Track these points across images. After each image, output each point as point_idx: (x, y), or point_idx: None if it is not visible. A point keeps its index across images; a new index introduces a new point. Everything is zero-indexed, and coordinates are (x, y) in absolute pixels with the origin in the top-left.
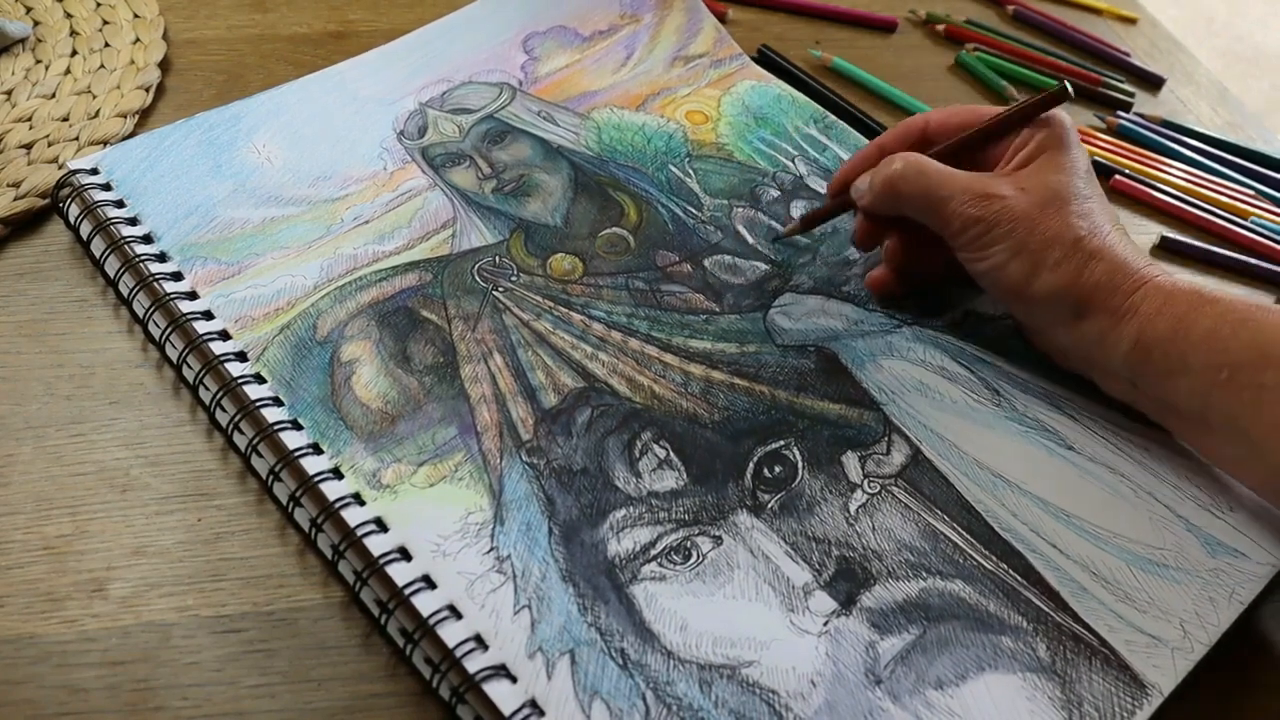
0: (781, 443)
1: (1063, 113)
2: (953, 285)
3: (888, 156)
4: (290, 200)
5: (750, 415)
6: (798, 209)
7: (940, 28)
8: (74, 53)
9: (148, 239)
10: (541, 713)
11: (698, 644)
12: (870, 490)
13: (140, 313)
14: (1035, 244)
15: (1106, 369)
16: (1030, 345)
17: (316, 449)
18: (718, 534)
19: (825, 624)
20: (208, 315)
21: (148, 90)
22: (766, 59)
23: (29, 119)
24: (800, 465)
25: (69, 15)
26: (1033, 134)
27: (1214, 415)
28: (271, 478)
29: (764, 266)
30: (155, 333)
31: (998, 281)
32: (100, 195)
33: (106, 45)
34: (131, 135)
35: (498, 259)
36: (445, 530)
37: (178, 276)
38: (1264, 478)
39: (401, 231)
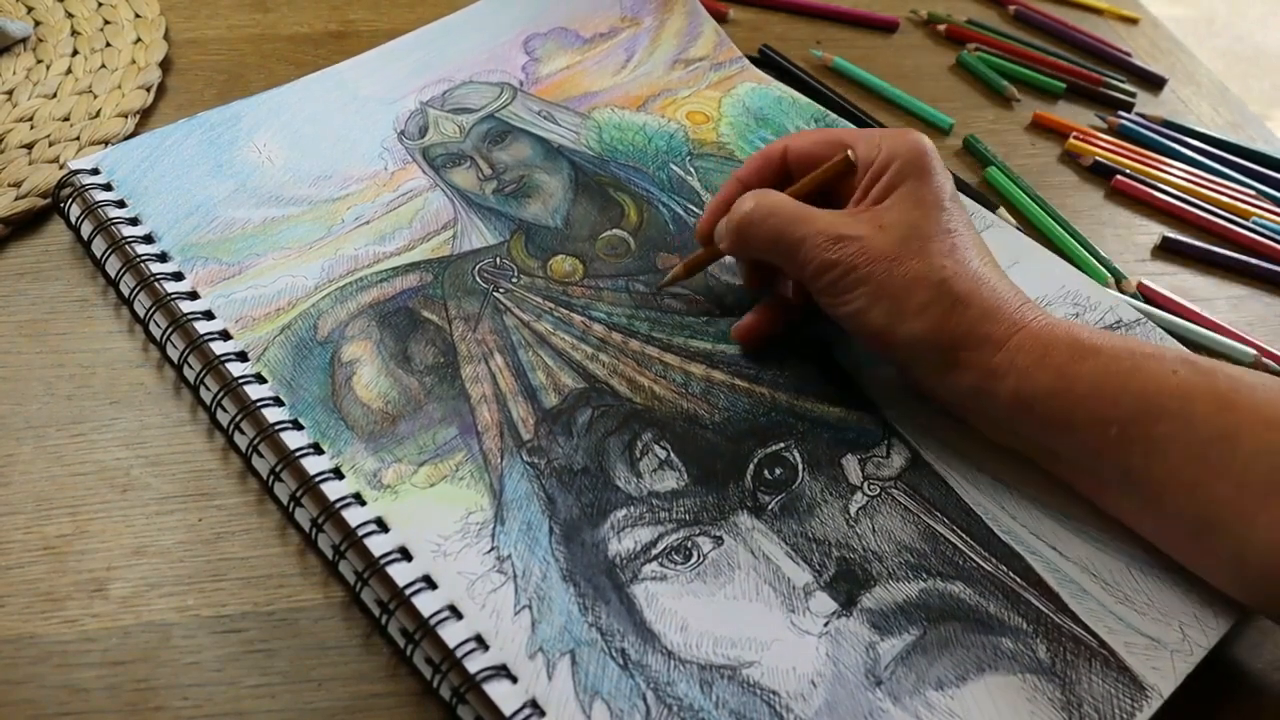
0: (782, 444)
1: (922, 136)
2: None
3: (743, 195)
4: (291, 200)
5: (751, 416)
6: None
7: (941, 28)
8: (75, 52)
9: (148, 239)
10: (542, 713)
11: (698, 644)
12: (870, 492)
13: (141, 313)
14: (896, 287)
15: (987, 419)
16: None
17: (317, 449)
18: (718, 534)
19: (826, 625)
20: (208, 315)
21: (149, 90)
22: (767, 59)
23: (30, 119)
24: (800, 467)
25: (70, 15)
26: (890, 161)
27: (1105, 470)
28: (272, 478)
29: None
30: (156, 333)
31: (860, 328)
32: (101, 195)
33: (108, 45)
34: (132, 135)
35: (498, 260)
36: (446, 530)
37: (178, 276)
38: (1161, 528)
39: (402, 232)
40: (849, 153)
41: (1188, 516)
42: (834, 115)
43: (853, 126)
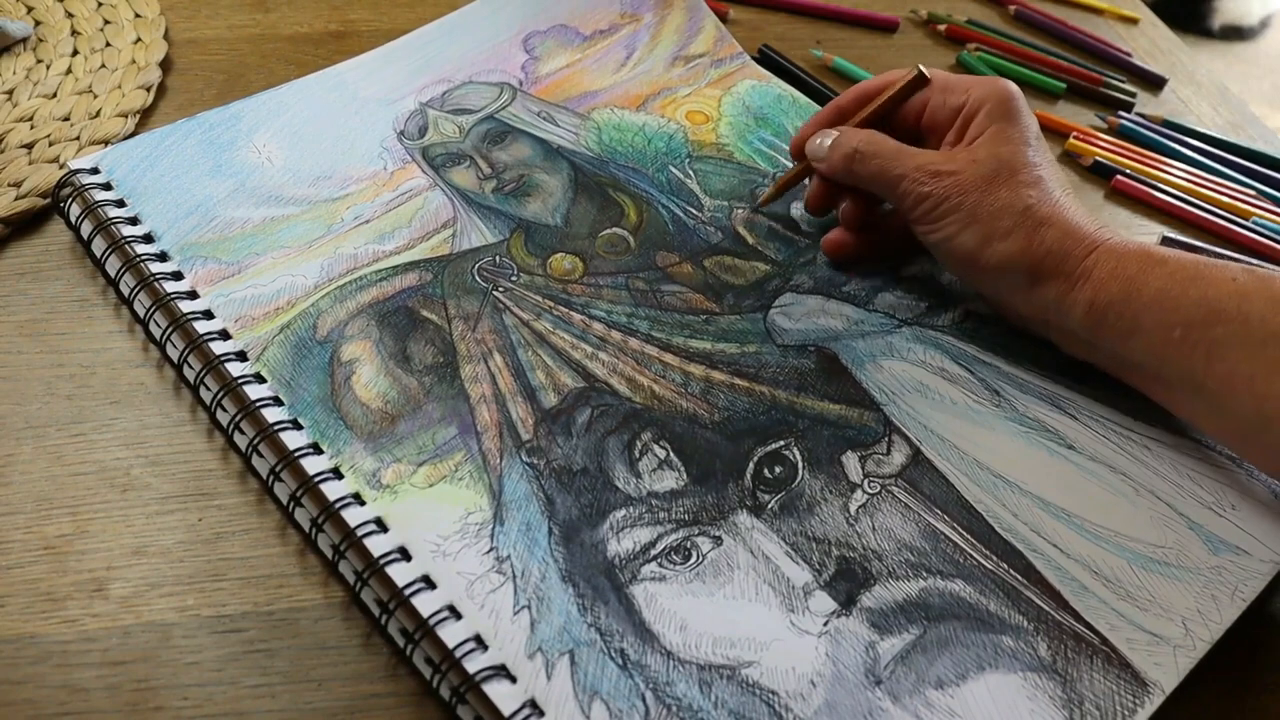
0: (781, 443)
1: (1009, 83)
2: (952, 284)
3: (846, 130)
4: (290, 200)
5: (750, 415)
6: (798, 209)
7: (941, 28)
8: (75, 52)
9: (148, 238)
10: (541, 713)
11: (697, 644)
12: (870, 490)
13: (141, 312)
14: (985, 214)
15: (1064, 331)
16: (1034, 343)
17: (316, 449)
18: (718, 534)
19: (825, 624)
20: (208, 315)
21: (149, 90)
22: (768, 59)
23: (30, 118)
24: (800, 465)
25: (70, 15)
26: (980, 106)
27: (1170, 372)
28: (272, 478)
29: (764, 266)
30: (156, 333)
31: (951, 253)
32: (101, 195)
33: (108, 45)
34: (132, 135)
35: (498, 259)
36: (445, 530)
37: (178, 276)
38: (1224, 427)
39: (402, 231)
40: (920, 67)
41: (1247, 413)
42: None
43: None
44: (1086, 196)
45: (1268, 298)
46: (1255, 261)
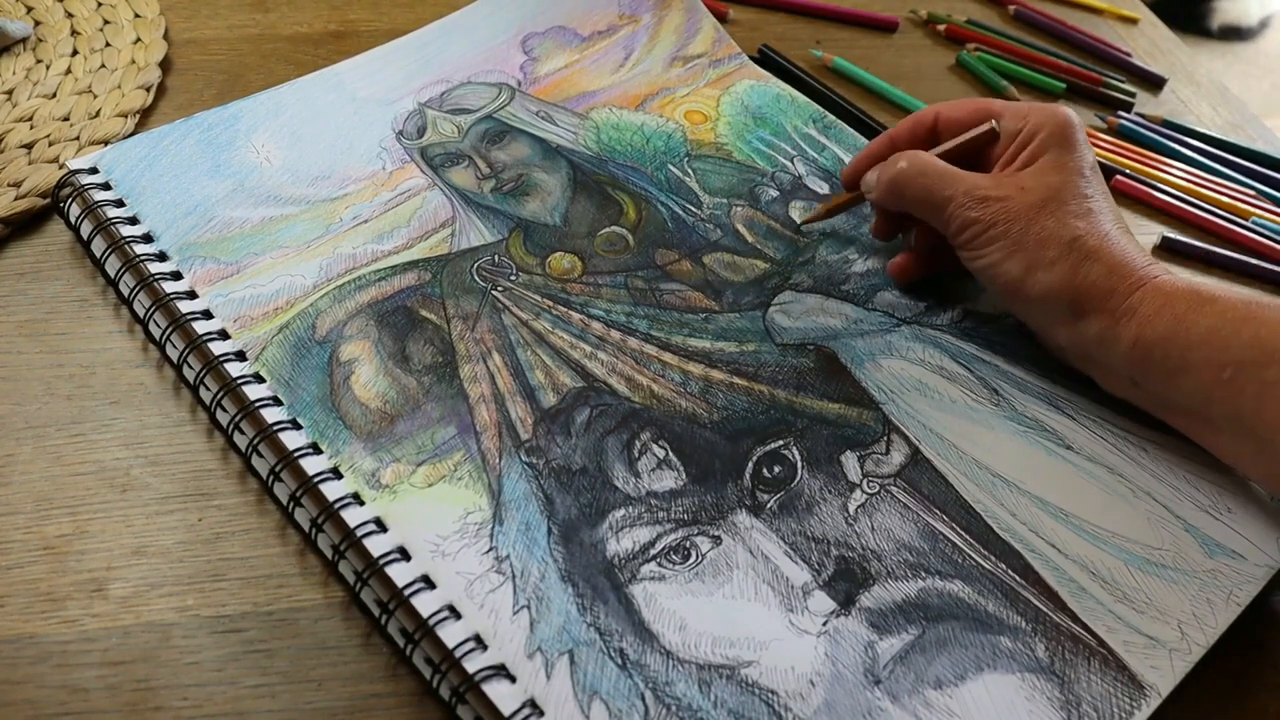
0: (780, 442)
1: (1068, 110)
2: (952, 283)
3: (895, 154)
4: (289, 200)
5: (749, 415)
6: (796, 209)
7: (941, 28)
8: (75, 52)
9: (147, 238)
10: (541, 713)
11: (697, 644)
12: (869, 490)
13: (141, 313)
14: (1031, 243)
15: (1107, 368)
16: (1033, 343)
17: (316, 449)
18: (717, 534)
19: (824, 624)
20: (207, 315)
21: (148, 90)
22: (767, 59)
23: (30, 119)
24: (799, 465)
25: (70, 15)
26: (1036, 132)
27: (1217, 413)
28: (272, 478)
29: (763, 264)
30: (156, 333)
31: (994, 279)
32: (100, 195)
33: (107, 45)
34: (132, 135)
35: (497, 258)
36: (444, 530)
37: (177, 276)
38: (1270, 471)
39: (400, 231)
40: (993, 123)
41: None
42: (832, 116)
43: (853, 127)
44: None
45: None
46: None
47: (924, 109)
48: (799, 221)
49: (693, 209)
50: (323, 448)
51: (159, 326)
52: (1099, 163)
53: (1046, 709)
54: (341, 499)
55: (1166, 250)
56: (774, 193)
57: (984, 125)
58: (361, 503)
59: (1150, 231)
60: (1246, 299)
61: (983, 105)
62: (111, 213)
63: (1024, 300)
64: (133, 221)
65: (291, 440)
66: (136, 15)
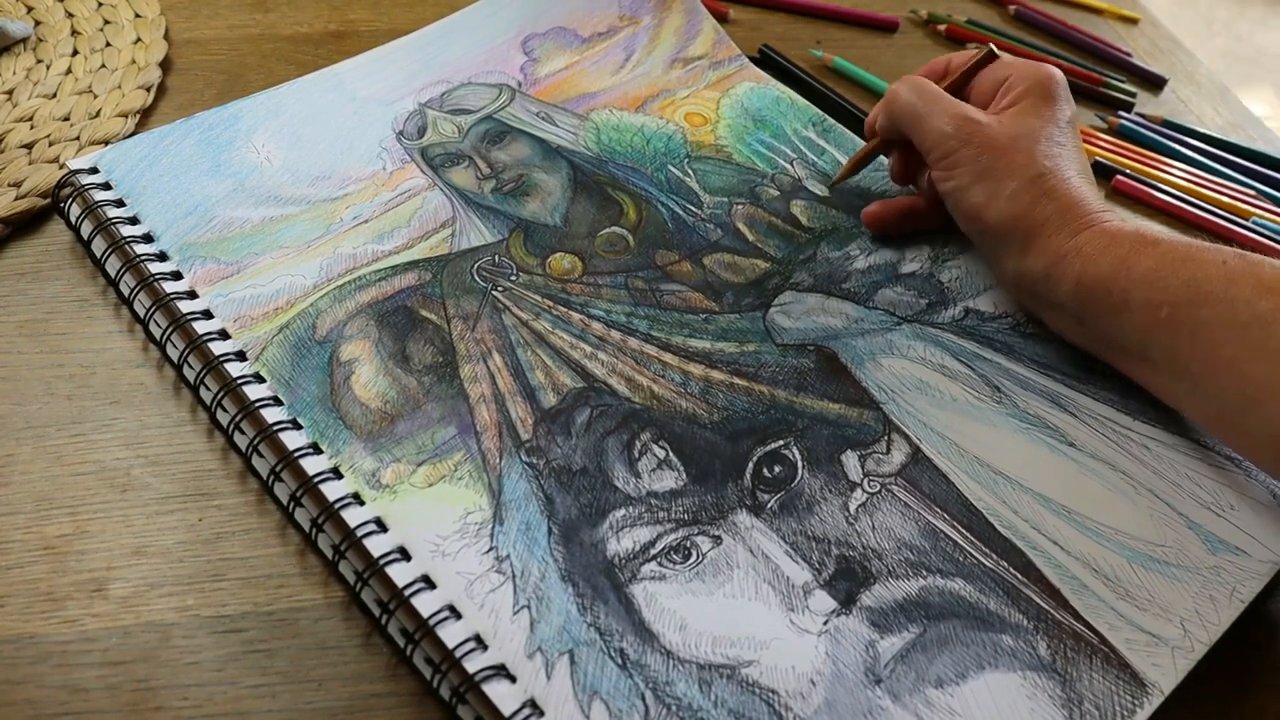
0: (781, 442)
1: (1053, 68)
2: (951, 281)
3: None
4: (289, 200)
5: (749, 415)
6: (798, 207)
7: (941, 28)
8: (75, 52)
9: (147, 238)
10: (541, 713)
11: (697, 644)
12: (870, 489)
13: (141, 313)
14: (997, 172)
15: (1052, 306)
16: (1035, 340)
17: (316, 449)
18: (717, 534)
19: (825, 623)
20: (207, 315)
21: (149, 90)
22: (767, 59)
23: (30, 119)
24: (800, 465)
25: (70, 15)
26: (1020, 81)
27: (1155, 351)
28: (272, 478)
29: (764, 264)
30: (156, 333)
31: (959, 203)
32: (100, 195)
33: (108, 45)
34: (132, 135)
35: (497, 258)
36: (444, 530)
37: (177, 276)
38: (1205, 410)
39: (401, 231)
40: (991, 45)
41: (1229, 396)
42: (832, 119)
43: (851, 128)
44: None
45: (1255, 282)
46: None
47: (936, 59)
48: (830, 183)
49: (693, 209)
50: (323, 448)
51: (159, 326)
52: (1097, 162)
53: (1048, 707)
54: (341, 499)
55: None
56: (774, 192)
57: (981, 49)
58: (362, 503)
59: None
60: (1188, 242)
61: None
62: (112, 213)
63: (982, 227)
64: (133, 221)
65: (292, 440)
66: (137, 15)
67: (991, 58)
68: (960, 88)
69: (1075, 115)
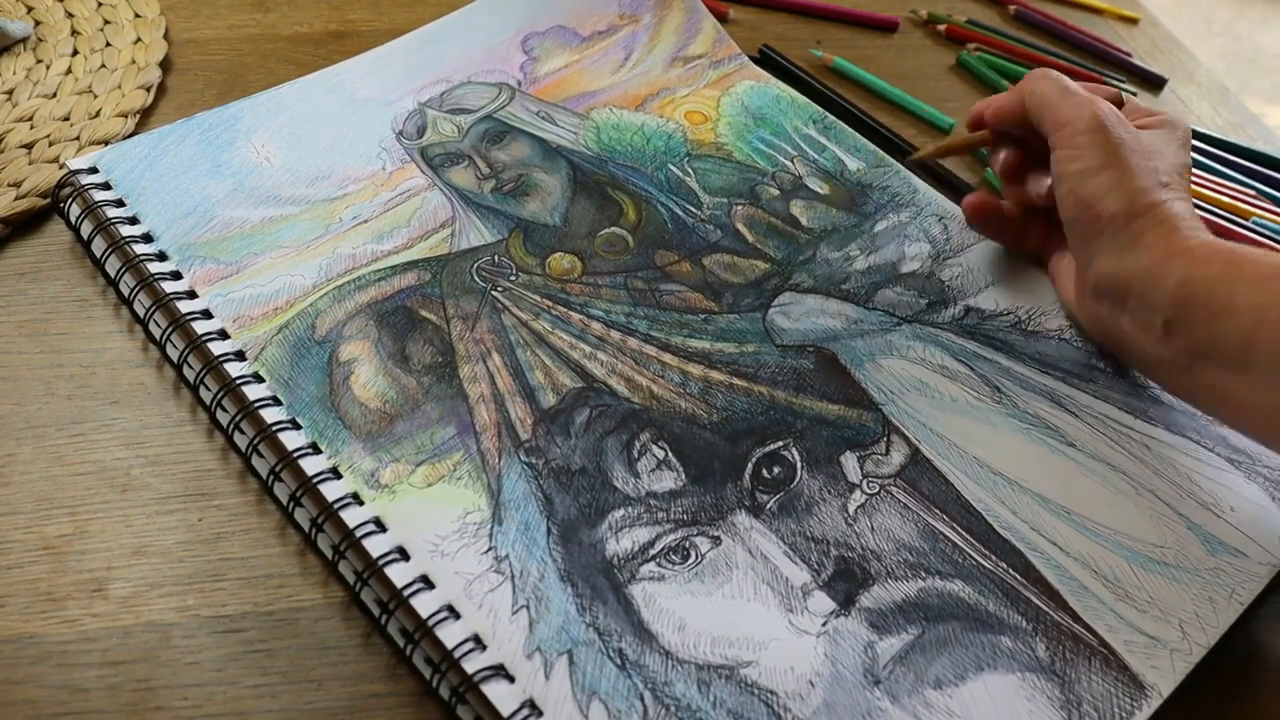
0: (780, 443)
1: (1183, 119)
2: (953, 280)
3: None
4: (289, 200)
5: (749, 415)
6: (798, 207)
7: (941, 28)
8: (75, 52)
9: (147, 238)
10: (540, 713)
11: (696, 644)
12: (869, 490)
13: (141, 313)
14: (1128, 167)
15: (1144, 305)
16: (1035, 339)
17: (315, 448)
18: (716, 534)
19: (824, 624)
20: (206, 314)
21: (149, 90)
22: (767, 59)
23: (30, 118)
24: (799, 466)
25: (70, 15)
26: (1155, 112)
27: (1258, 355)
28: (272, 478)
29: (763, 264)
30: (156, 333)
31: (1079, 187)
32: (100, 195)
33: (108, 45)
34: (132, 135)
35: (496, 258)
36: (443, 530)
37: (176, 276)
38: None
39: (400, 231)
40: (988, 134)
41: None
42: (833, 117)
43: (853, 127)
44: None
45: None
46: None
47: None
48: (912, 158)
49: (693, 210)
50: (322, 448)
51: (159, 326)
52: None
53: (1047, 709)
54: (341, 499)
55: None
56: (775, 191)
57: (982, 134)
58: (361, 503)
59: None
60: None
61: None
62: (111, 213)
63: (1093, 216)
64: (133, 221)
65: (291, 440)
66: (137, 15)
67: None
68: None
69: (1190, 162)
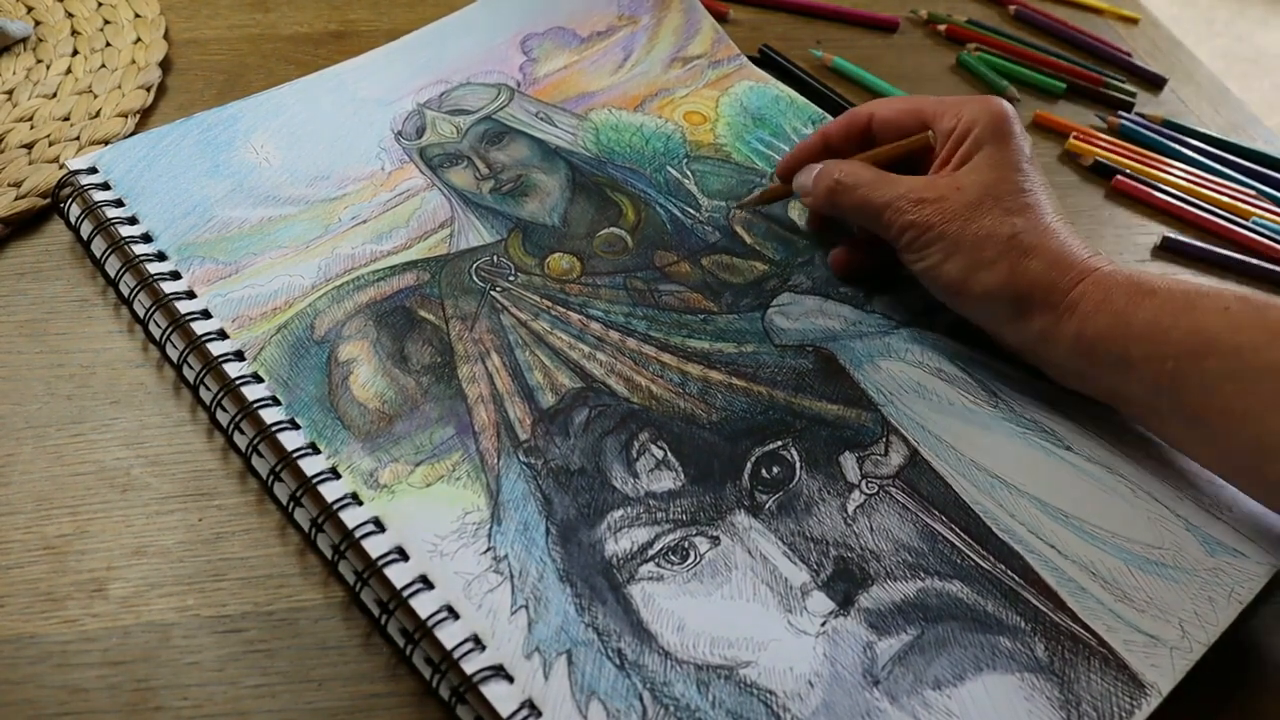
0: (779, 443)
1: (1002, 102)
2: None
3: (829, 162)
4: (288, 200)
5: (748, 415)
6: (796, 209)
7: (941, 28)
8: (75, 52)
9: (146, 238)
10: (539, 713)
11: (695, 644)
12: (868, 491)
13: (141, 313)
14: (969, 243)
15: (1053, 364)
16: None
17: (315, 449)
18: (715, 534)
19: (823, 624)
20: (205, 314)
21: (149, 90)
22: (767, 59)
23: (30, 118)
24: (798, 465)
25: (70, 15)
26: (970, 128)
27: (1164, 404)
28: (272, 478)
29: (762, 266)
30: (156, 333)
31: (936, 280)
32: (100, 195)
33: (107, 45)
34: (132, 135)
35: (495, 258)
36: (442, 530)
37: (175, 276)
38: (1221, 461)
39: (399, 231)
40: (930, 134)
41: (1245, 447)
42: (831, 118)
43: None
44: (1086, 196)
45: (1262, 328)
46: (1245, 290)
47: (858, 107)
48: (736, 205)
49: (691, 211)
50: (321, 448)
51: (159, 326)
52: (1097, 162)
53: (1046, 709)
54: (340, 499)
55: (1167, 250)
56: None
57: (918, 136)
58: (360, 503)
59: (1151, 232)
60: (1186, 289)
61: (915, 105)
62: (111, 213)
63: (967, 300)
64: (132, 221)
65: (290, 440)
66: (136, 15)
67: (928, 148)
68: (890, 164)
69: (1032, 148)
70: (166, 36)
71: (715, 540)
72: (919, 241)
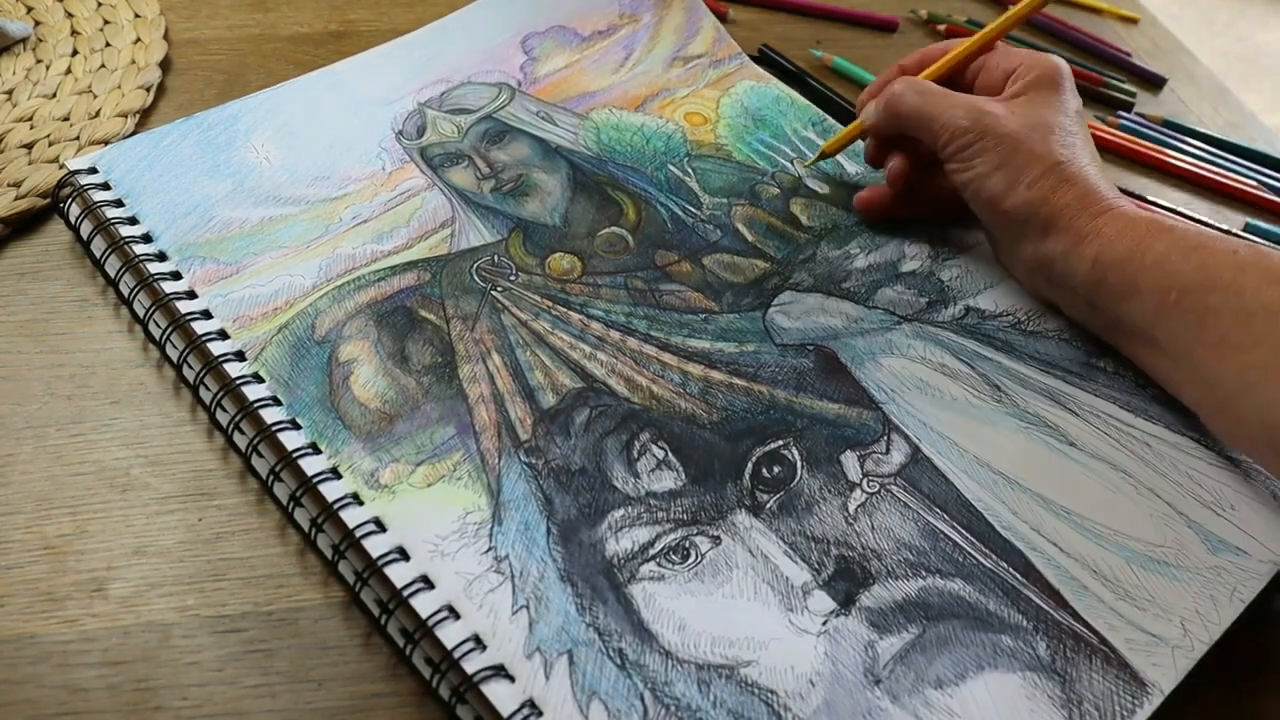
0: (780, 442)
1: (1061, 61)
2: (950, 280)
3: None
4: (288, 200)
5: (749, 415)
6: (797, 206)
7: (941, 27)
8: (75, 52)
9: (146, 238)
10: (540, 713)
11: (696, 644)
12: (869, 489)
13: (141, 312)
14: (1017, 161)
15: (1065, 286)
16: (1036, 339)
17: (315, 448)
18: (716, 534)
19: (824, 624)
20: (206, 315)
21: (148, 90)
22: (767, 59)
23: (30, 119)
24: (799, 465)
25: (70, 15)
26: (1029, 71)
27: (1161, 335)
28: (272, 478)
29: (763, 264)
30: (156, 333)
31: (978, 192)
32: (100, 195)
33: (107, 45)
34: (132, 135)
35: (496, 258)
36: (443, 530)
37: (176, 276)
38: (1202, 395)
39: (400, 231)
40: (995, 42)
41: (1228, 381)
42: (832, 119)
43: (844, 122)
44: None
45: (1264, 271)
46: (1256, 241)
47: (931, 46)
48: (805, 164)
49: (692, 210)
50: (322, 448)
51: (159, 326)
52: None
53: (1048, 708)
54: (341, 499)
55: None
56: (775, 190)
57: (979, 37)
58: (361, 503)
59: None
60: (1200, 230)
61: (984, 46)
62: (111, 213)
63: (1001, 214)
64: (132, 221)
65: (291, 440)
66: (136, 15)
67: (988, 47)
68: (952, 76)
69: (1081, 107)
70: (166, 36)
71: (716, 540)
72: (970, 150)
